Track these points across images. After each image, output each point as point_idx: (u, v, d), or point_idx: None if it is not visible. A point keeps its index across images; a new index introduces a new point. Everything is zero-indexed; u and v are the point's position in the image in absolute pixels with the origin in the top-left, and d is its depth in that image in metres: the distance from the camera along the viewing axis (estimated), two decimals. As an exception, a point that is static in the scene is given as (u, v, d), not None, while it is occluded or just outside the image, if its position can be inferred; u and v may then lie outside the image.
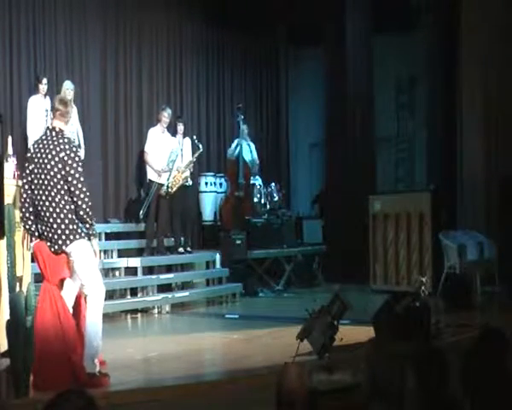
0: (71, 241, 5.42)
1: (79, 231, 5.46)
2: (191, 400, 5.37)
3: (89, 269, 5.57)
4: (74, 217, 5.42)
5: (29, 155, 5.56)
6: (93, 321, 5.55)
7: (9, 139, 7.73)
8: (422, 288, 6.97)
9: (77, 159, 5.45)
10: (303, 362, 5.57)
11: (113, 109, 11.40)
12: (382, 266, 11.34)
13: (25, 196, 5.52)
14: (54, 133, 5.50)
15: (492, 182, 11.00)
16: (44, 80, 9.66)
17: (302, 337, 6.07)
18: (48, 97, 9.75)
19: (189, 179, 11.13)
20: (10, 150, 6.47)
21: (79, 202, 5.38)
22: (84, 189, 5.42)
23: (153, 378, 6.09)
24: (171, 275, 10.55)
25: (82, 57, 10.90)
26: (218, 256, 11.34)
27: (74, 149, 5.51)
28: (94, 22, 11.08)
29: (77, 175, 5.39)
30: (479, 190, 11.02)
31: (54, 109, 5.64)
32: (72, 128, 9.85)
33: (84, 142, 10.14)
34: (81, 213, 5.40)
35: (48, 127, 5.66)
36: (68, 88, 9.87)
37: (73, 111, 9.98)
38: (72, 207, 5.40)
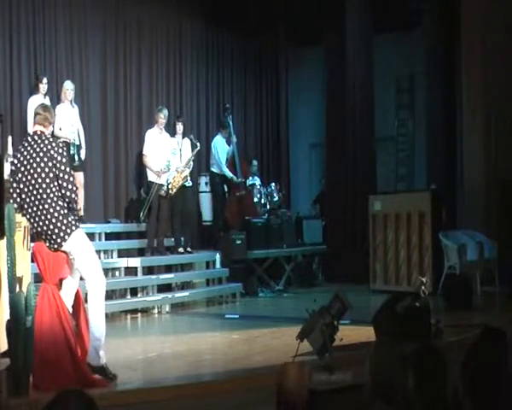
0: (68, 234, 5.47)
1: (73, 222, 5.53)
2: (191, 400, 5.36)
3: (88, 260, 5.62)
4: (66, 211, 5.48)
5: (13, 167, 5.54)
6: (95, 313, 5.59)
7: (9, 139, 7.73)
8: (422, 288, 6.97)
9: (64, 154, 5.55)
10: (303, 362, 5.56)
11: (112, 109, 11.39)
12: (382, 266, 11.34)
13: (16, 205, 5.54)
14: (36, 137, 5.55)
15: (492, 182, 11.00)
16: (44, 80, 9.67)
17: (302, 337, 6.06)
18: (48, 97, 9.75)
19: (188, 179, 11.12)
20: (10, 150, 6.48)
21: (68, 193, 5.47)
22: (72, 179, 5.53)
23: (153, 378, 6.08)
24: (171, 275, 10.55)
25: (82, 57, 10.90)
26: (218, 256, 11.33)
27: (61, 145, 5.60)
28: (94, 22, 11.08)
29: (62, 167, 5.47)
30: (479, 189, 11.01)
31: (34, 114, 5.71)
32: (73, 128, 9.86)
33: (84, 141, 10.15)
34: (67, 199, 5.48)
35: (28, 133, 5.67)
36: (68, 88, 9.89)
37: (74, 111, 10.02)
38: (60, 202, 5.45)
